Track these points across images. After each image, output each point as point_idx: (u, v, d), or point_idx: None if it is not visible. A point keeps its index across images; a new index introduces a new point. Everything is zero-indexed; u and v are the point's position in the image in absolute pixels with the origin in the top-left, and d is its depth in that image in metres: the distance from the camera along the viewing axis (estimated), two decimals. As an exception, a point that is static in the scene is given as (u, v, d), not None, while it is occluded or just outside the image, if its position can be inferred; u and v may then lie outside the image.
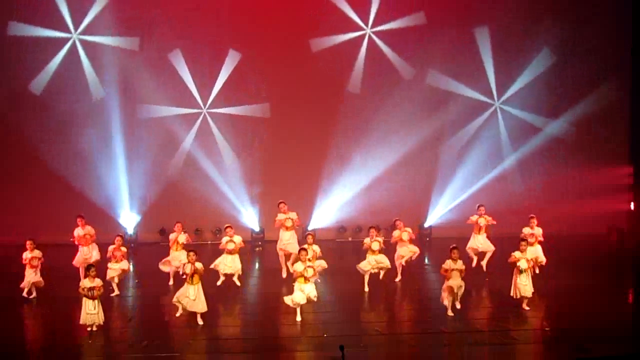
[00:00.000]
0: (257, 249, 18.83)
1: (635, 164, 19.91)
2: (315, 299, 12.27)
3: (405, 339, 11.53)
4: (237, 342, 11.46)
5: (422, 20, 19.23)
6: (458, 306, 12.52)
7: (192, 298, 12.05)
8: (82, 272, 14.77)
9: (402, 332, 11.93)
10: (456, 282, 12.37)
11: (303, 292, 12.08)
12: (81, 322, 11.76)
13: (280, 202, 15.52)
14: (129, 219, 19.18)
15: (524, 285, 12.55)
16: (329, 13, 19.06)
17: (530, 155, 19.93)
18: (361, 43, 19.40)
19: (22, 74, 18.74)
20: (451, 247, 12.51)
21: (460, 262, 12.41)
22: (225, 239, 14.52)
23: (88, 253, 14.82)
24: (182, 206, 18.99)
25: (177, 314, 12.38)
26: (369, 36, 19.42)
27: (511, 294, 12.77)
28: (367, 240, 14.44)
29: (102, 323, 11.83)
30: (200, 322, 12.10)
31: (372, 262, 14.21)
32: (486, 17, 19.35)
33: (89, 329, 11.74)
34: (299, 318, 12.14)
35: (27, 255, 13.94)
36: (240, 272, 14.52)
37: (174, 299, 12.32)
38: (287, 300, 12.24)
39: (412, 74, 19.39)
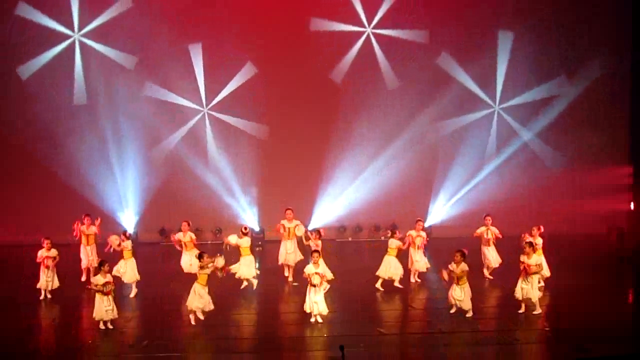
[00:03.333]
0: (257, 249, 18.80)
1: (635, 164, 19.91)
2: (325, 312, 11.98)
3: (405, 339, 11.52)
4: (237, 342, 11.45)
5: (425, 39, 19.29)
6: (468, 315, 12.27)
7: (205, 298, 11.91)
8: (85, 274, 14.76)
9: (402, 332, 11.93)
10: (455, 292, 12.19)
11: (310, 300, 11.96)
12: (97, 318, 11.75)
13: (288, 209, 15.35)
14: (129, 219, 19.18)
15: (524, 289, 12.36)
16: (328, 37, 19.14)
17: (530, 155, 19.97)
18: (358, 39, 19.43)
19: (15, 57, 18.77)
20: (456, 250, 12.32)
21: (462, 265, 12.11)
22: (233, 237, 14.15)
23: (92, 256, 14.80)
24: (182, 206, 18.99)
25: (193, 322, 12.06)
26: (368, 35, 19.46)
27: (515, 294, 12.60)
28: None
29: (116, 317, 11.92)
30: (201, 317, 12.00)
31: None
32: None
33: (103, 326, 11.76)
34: (312, 319, 12.05)
35: (42, 253, 13.82)
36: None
37: (193, 308, 12.00)
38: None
39: (395, 86, 19.40)
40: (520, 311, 12.46)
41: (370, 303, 13.34)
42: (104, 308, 11.71)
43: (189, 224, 15.21)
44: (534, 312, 12.40)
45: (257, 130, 19.55)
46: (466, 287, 12.23)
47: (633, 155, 20.04)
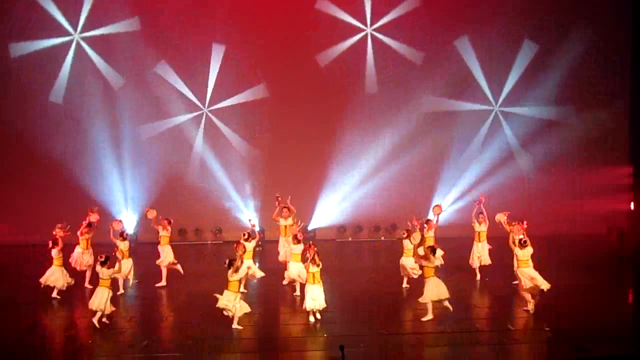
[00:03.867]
0: (257, 249, 18.76)
1: (635, 164, 19.93)
2: (321, 308, 12.00)
3: (405, 339, 11.51)
4: (237, 341, 11.44)
5: (418, 61, 19.44)
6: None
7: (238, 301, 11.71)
8: (88, 275, 14.64)
9: (402, 332, 11.91)
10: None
11: (312, 298, 11.91)
12: (98, 309, 11.81)
13: (284, 207, 15.25)
14: (129, 219, 19.19)
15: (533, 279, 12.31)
16: (328, 22, 19.21)
17: (530, 155, 19.99)
18: (365, 43, 19.48)
19: (36, 87, 18.96)
20: (428, 246, 12.24)
21: (429, 262, 12.02)
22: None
23: (88, 257, 14.59)
24: (182, 206, 19.04)
25: (236, 325, 11.72)
26: (371, 35, 19.50)
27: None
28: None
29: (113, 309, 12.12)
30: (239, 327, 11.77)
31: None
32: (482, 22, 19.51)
33: (97, 323, 11.76)
34: (312, 319, 12.03)
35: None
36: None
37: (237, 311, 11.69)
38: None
39: (421, 59, 19.40)
40: (527, 309, 12.43)
41: (370, 303, 13.32)
42: (106, 301, 11.78)
43: (169, 222, 15.01)
44: (528, 308, 12.35)
45: (259, 92, 19.51)
46: (428, 281, 11.98)
47: (633, 155, 20.06)
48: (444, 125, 19.87)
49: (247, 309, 11.80)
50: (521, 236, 12.83)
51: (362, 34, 19.52)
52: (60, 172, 18.82)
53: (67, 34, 19.00)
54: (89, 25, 19.01)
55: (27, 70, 18.87)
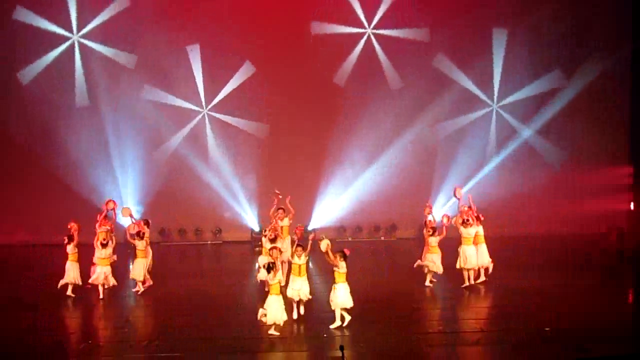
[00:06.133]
0: (257, 249, 18.78)
1: (635, 164, 19.94)
2: (305, 298, 12.08)
3: (405, 339, 11.51)
4: (237, 341, 11.44)
5: (425, 37, 19.35)
6: None
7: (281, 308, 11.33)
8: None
9: (402, 332, 11.91)
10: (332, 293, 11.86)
11: (293, 288, 12.01)
12: (109, 283, 13.54)
13: (280, 208, 14.93)
14: (128, 219, 19.14)
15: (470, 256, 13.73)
16: (327, 22, 19.21)
17: (530, 155, 20.00)
18: (359, 40, 19.48)
19: (15, 59, 18.90)
20: (338, 250, 12.00)
21: (342, 265, 11.79)
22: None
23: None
24: (182, 206, 19.04)
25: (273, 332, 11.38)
26: (368, 36, 19.49)
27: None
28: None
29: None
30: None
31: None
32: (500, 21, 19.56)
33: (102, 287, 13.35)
34: (295, 315, 12.07)
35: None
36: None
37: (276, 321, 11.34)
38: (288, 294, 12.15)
39: (400, 86, 19.45)
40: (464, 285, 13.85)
41: (370, 303, 13.32)
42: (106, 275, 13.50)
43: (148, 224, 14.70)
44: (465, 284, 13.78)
45: (257, 129, 19.60)
46: (338, 287, 11.71)
47: (633, 155, 20.07)
48: (444, 125, 19.86)
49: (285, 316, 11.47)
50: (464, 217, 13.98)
51: (365, 37, 19.52)
52: (61, 172, 18.80)
53: (66, 38, 19.00)
54: (83, 22, 19.00)
55: (42, 84, 18.94)
